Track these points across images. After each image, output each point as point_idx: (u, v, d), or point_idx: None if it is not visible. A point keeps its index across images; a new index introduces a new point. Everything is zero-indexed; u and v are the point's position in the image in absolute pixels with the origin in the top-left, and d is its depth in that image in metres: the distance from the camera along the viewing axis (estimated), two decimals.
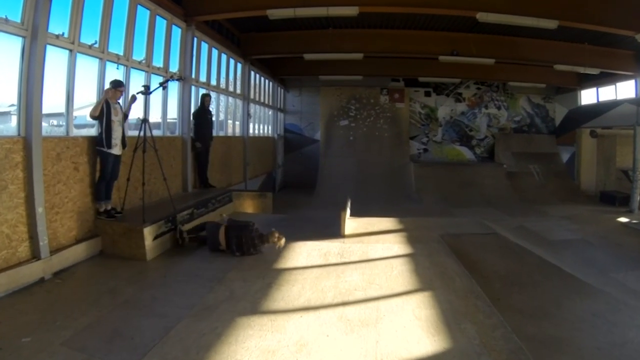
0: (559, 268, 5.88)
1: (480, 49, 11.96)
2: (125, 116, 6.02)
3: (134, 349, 3.37)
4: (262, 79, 14.98)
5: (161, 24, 7.83)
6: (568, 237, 7.88)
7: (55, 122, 5.99)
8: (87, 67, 5.97)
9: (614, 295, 5.30)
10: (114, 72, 6.42)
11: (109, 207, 5.88)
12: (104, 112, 5.57)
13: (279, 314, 3.98)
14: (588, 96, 16.21)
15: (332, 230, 6.83)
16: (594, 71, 12.62)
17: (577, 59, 12.19)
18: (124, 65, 6.69)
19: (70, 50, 5.53)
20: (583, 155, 15.95)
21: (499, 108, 18.06)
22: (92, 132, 6.12)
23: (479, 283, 4.81)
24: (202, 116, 8.92)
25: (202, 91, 9.52)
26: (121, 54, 6.61)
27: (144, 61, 7.22)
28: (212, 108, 10.08)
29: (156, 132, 7.16)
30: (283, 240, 5.76)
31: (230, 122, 12.36)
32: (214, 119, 9.75)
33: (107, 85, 5.87)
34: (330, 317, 3.92)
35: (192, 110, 8.78)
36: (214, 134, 9.63)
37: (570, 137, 16.59)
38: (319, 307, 4.14)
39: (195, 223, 6.67)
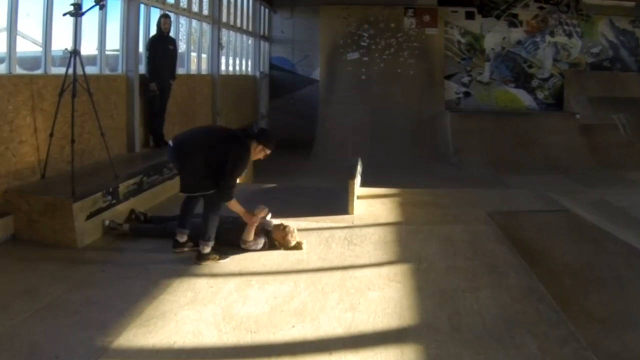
0: None
1: None
2: None
3: None
4: None
5: None
6: None
7: None
8: None
9: None
10: None
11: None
12: None
13: (263, 323, 3.94)
14: None
15: (336, 206, 6.82)
16: None
17: None
18: None
19: None
20: None
21: (569, 35, 17.87)
22: (2, 68, 5.99)
23: (543, 280, 4.79)
24: (160, 46, 8.76)
25: (156, 12, 9.30)
26: None
27: None
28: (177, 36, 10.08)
29: (90, 70, 7.05)
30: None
31: (194, 54, 12.23)
32: (179, 50, 9.64)
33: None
34: (334, 327, 3.90)
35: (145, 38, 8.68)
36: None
37: None
38: (318, 313, 4.11)
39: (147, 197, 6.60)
